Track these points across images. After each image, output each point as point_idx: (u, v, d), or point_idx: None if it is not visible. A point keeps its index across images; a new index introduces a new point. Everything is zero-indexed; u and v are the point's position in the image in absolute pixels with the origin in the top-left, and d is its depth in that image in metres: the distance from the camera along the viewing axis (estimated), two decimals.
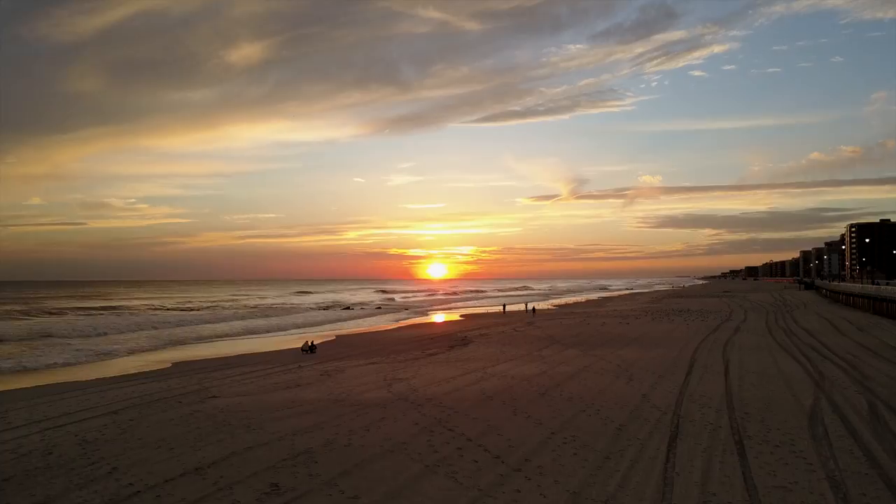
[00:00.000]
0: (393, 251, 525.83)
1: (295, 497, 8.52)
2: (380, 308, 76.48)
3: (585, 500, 8.34)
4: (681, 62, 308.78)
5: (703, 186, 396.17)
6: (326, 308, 74.41)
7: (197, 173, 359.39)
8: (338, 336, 38.14)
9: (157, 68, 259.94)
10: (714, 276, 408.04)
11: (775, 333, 32.11)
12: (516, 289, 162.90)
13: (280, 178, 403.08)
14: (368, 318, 58.14)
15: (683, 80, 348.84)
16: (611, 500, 8.29)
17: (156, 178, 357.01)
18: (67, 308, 73.75)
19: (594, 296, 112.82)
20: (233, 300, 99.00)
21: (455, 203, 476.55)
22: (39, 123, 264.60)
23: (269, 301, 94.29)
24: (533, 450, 10.65)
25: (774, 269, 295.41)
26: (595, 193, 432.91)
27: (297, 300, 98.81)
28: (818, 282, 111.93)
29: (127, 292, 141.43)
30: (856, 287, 60.60)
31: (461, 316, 59.39)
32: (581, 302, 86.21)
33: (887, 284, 62.28)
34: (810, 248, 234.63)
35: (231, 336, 39.72)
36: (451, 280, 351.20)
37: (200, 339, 37.66)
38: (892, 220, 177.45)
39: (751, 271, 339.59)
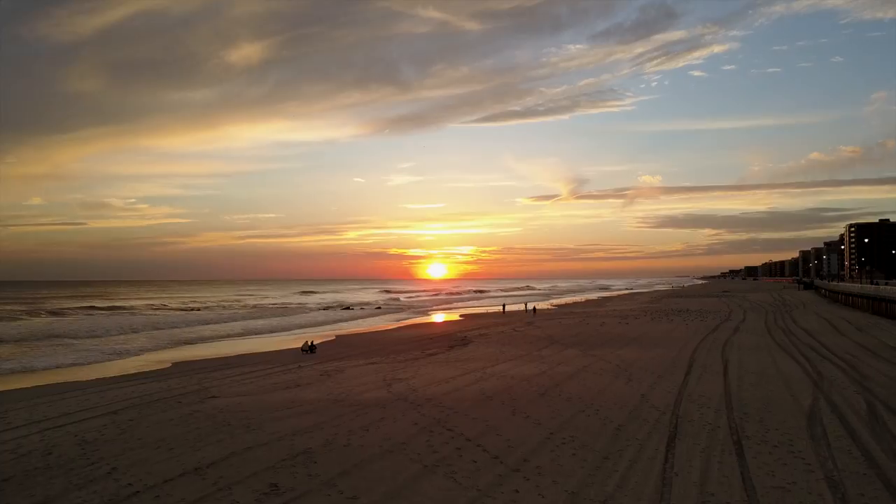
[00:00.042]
0: (393, 251, 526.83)
1: (294, 497, 8.53)
2: (380, 308, 76.51)
3: (584, 500, 8.35)
4: (681, 62, 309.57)
5: (702, 186, 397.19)
6: (335, 308, 74.54)
7: (197, 173, 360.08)
8: (338, 336, 38.15)
9: (157, 68, 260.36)
10: (714, 276, 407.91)
11: (774, 333, 32.13)
12: (519, 289, 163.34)
13: (280, 178, 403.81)
14: (368, 319, 58.14)
15: (683, 80, 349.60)
16: (609, 501, 8.31)
17: (156, 178, 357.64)
18: (72, 308, 73.79)
19: (594, 296, 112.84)
20: (237, 300, 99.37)
21: (455, 203, 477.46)
22: (39, 123, 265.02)
23: (276, 301, 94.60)
24: (532, 450, 10.67)
25: (774, 269, 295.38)
26: (595, 193, 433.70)
27: (303, 300, 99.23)
28: (817, 282, 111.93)
29: (129, 292, 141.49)
30: (855, 287, 60.61)
31: (461, 316, 59.41)
32: (580, 302, 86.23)
33: (886, 284, 62.28)
34: (810, 248, 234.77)
35: (245, 335, 39.79)
36: (453, 280, 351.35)
37: (211, 338, 37.89)
38: (891, 220, 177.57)
39: (750, 271, 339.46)
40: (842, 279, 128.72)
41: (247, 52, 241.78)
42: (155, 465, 10.07)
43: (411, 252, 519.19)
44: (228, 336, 39.60)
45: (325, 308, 74.45)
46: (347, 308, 74.59)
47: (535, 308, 62.16)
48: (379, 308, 76.33)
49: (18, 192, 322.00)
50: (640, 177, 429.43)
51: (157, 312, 66.64)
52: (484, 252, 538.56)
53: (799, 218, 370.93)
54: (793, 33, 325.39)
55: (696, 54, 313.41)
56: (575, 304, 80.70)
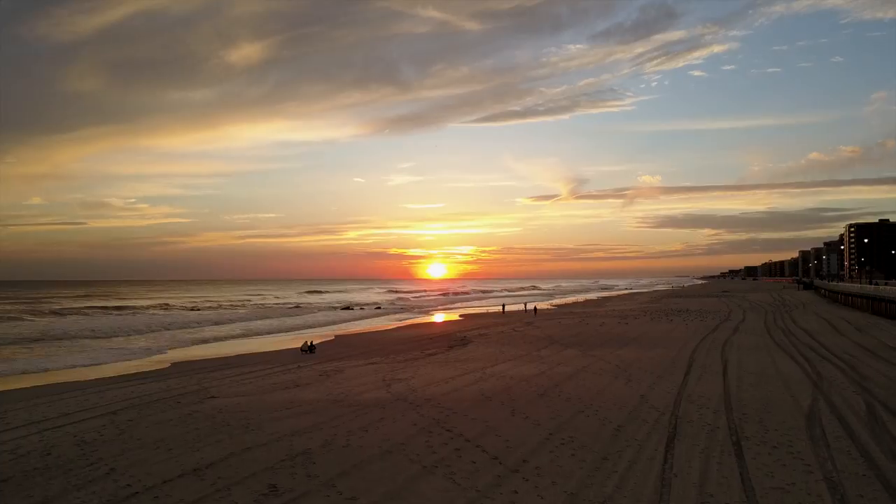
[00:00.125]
0: (393, 251, 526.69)
1: (293, 498, 8.53)
2: (380, 308, 76.51)
3: (583, 501, 8.35)
4: (681, 62, 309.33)
5: (702, 186, 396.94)
6: (346, 308, 74.77)
7: (197, 173, 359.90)
8: (337, 336, 38.14)
9: (157, 68, 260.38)
10: (713, 276, 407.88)
11: (774, 334, 32.13)
12: (524, 288, 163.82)
13: (280, 178, 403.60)
14: (368, 319, 58.14)
15: (683, 80, 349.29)
16: (608, 502, 8.30)
17: (156, 178, 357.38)
18: (77, 308, 73.55)
19: (594, 296, 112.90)
20: (247, 299, 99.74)
21: (455, 203, 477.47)
22: (39, 123, 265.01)
23: (288, 301, 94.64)
24: (531, 451, 10.67)
25: (773, 269, 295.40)
26: (594, 193, 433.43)
27: (312, 300, 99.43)
28: (817, 282, 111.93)
29: (131, 292, 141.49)
30: (854, 287, 60.62)
31: (460, 316, 59.41)
32: (580, 302, 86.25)
33: (886, 284, 62.31)
34: (809, 248, 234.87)
35: (247, 335, 39.75)
36: (455, 280, 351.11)
37: (225, 338, 38.02)
38: (891, 220, 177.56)
39: (750, 271, 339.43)
40: (841, 279, 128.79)
41: (247, 51, 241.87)
42: (154, 466, 10.07)
43: (411, 252, 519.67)
44: (257, 334, 39.60)
45: (345, 308, 74.55)
46: (347, 308, 74.59)
47: (535, 308, 62.18)
48: (379, 308, 76.34)
49: (18, 192, 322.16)
50: (639, 177, 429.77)
51: (164, 312, 66.77)
52: (484, 252, 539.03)
53: (799, 218, 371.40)
54: (793, 33, 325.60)
55: (696, 54, 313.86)
56: (575, 303, 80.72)
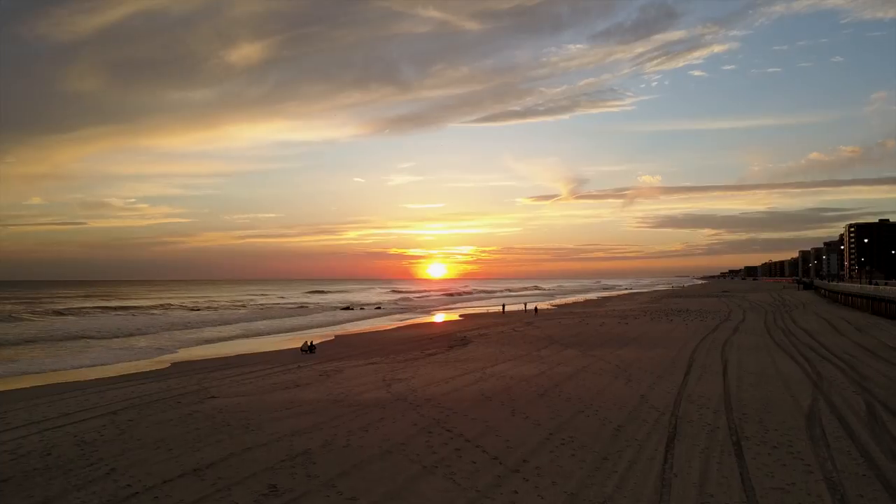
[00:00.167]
0: (393, 251, 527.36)
1: (293, 498, 8.53)
2: (380, 308, 76.51)
3: (583, 501, 8.35)
4: (681, 62, 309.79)
5: (702, 186, 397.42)
6: (346, 308, 74.80)
7: (197, 173, 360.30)
8: (337, 336, 38.14)
9: (157, 68, 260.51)
10: (713, 276, 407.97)
11: (774, 334, 32.13)
12: (526, 288, 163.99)
13: (280, 178, 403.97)
14: (368, 319, 58.14)
15: (683, 80, 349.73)
16: (608, 502, 8.30)
17: (156, 178, 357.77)
18: (77, 308, 73.61)
19: (594, 295, 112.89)
20: (251, 299, 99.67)
21: (455, 203, 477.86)
22: (39, 123, 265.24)
23: (289, 301, 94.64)
24: (531, 451, 10.67)
25: (773, 269, 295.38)
26: (594, 193, 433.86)
27: (316, 300, 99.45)
28: (817, 282, 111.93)
29: (131, 292, 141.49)
30: (854, 287, 60.62)
31: (460, 316, 59.40)
32: (580, 302, 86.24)
33: (886, 285, 62.29)
34: (809, 248, 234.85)
35: (260, 333, 39.73)
36: (456, 280, 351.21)
37: (228, 338, 37.97)
38: (891, 220, 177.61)
39: (750, 271, 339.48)
40: (841, 279, 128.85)
41: (247, 51, 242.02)
42: (154, 466, 10.07)
43: (411, 252, 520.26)
44: (239, 336, 39.58)
45: (351, 308, 74.57)
46: (347, 308, 74.58)
47: (536, 308, 62.18)
48: (379, 308, 76.33)
49: (18, 192, 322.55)
50: (639, 177, 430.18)
51: (164, 312, 66.76)
52: (484, 252, 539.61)
53: (799, 218, 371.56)
54: (793, 33, 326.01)
55: (696, 54, 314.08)
56: (575, 304, 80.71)
